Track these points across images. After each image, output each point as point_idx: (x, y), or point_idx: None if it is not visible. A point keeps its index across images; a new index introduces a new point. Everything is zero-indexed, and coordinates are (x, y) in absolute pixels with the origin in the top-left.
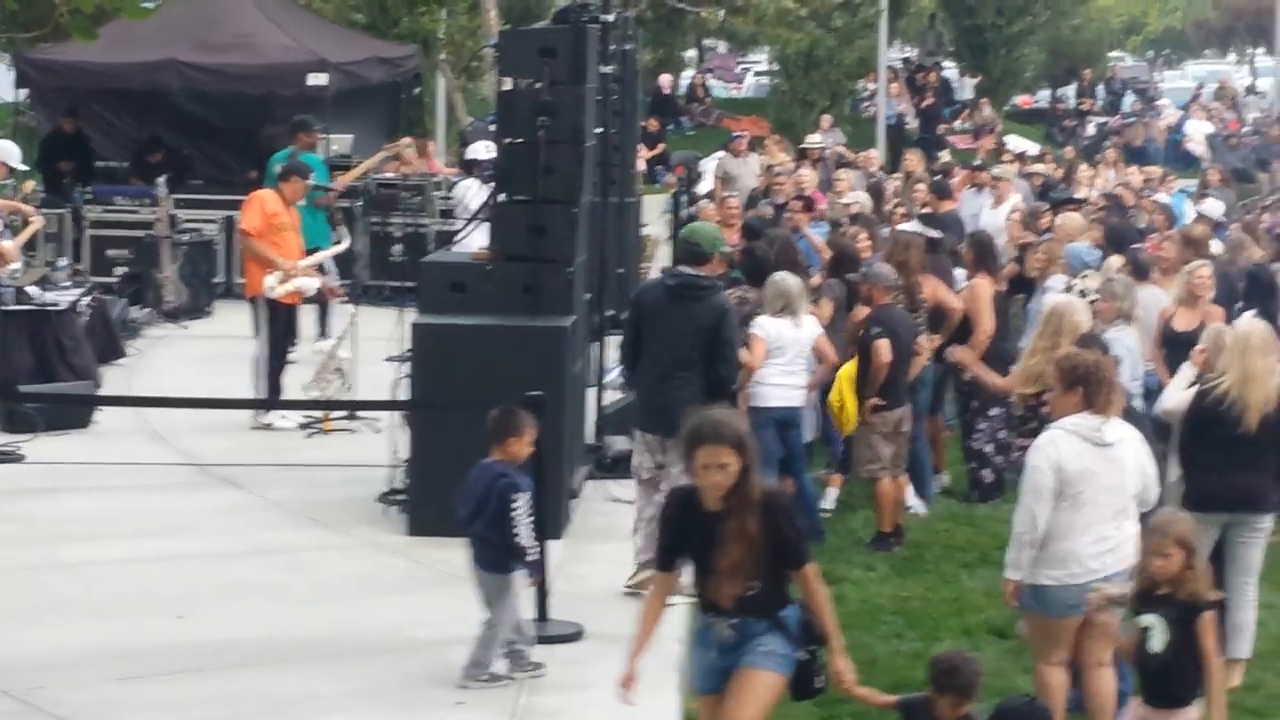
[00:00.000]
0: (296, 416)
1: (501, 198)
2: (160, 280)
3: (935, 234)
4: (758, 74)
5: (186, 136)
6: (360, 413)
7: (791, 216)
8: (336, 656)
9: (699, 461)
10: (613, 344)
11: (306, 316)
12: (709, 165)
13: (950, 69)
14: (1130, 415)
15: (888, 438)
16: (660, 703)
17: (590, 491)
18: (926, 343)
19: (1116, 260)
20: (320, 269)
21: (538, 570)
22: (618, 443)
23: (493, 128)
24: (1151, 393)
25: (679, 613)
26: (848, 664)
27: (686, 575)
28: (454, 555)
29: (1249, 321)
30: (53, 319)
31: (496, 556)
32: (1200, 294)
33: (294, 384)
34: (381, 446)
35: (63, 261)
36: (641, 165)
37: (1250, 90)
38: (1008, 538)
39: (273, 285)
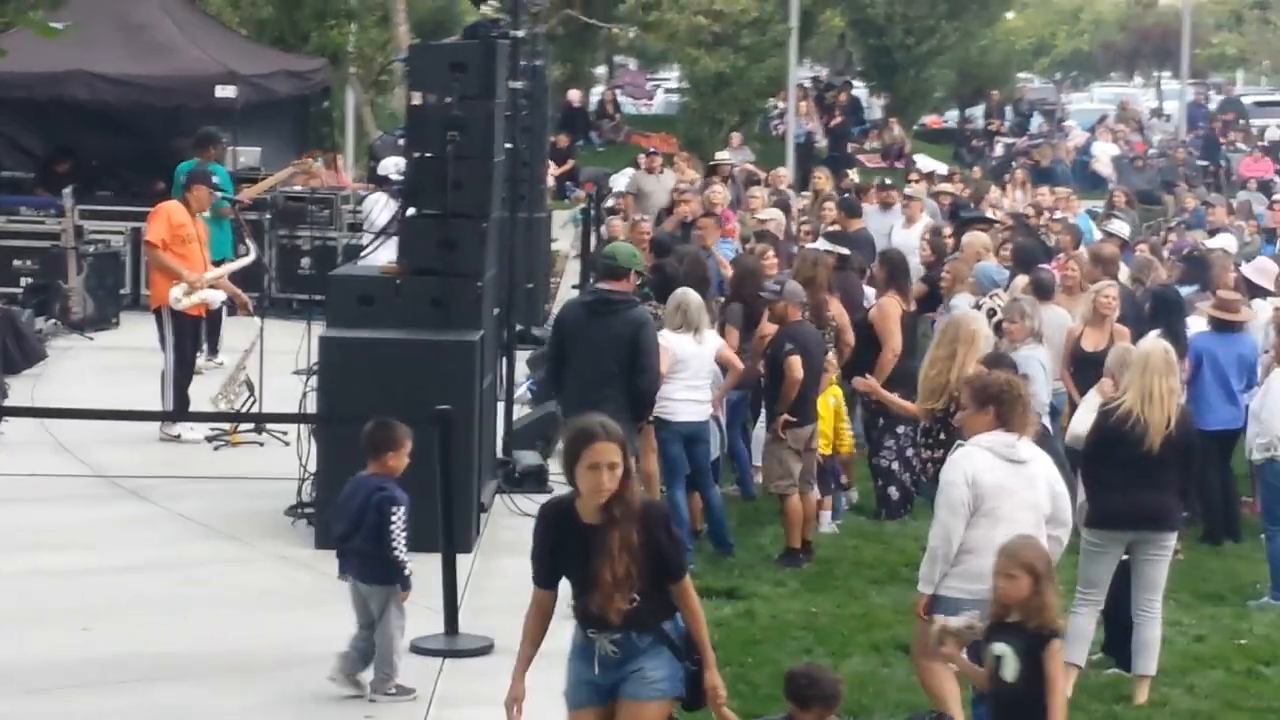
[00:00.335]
0: (204, 429)
1: (411, 212)
2: (66, 291)
3: (844, 251)
4: (668, 91)
5: (93, 147)
6: (268, 426)
7: (701, 234)
8: (241, 670)
9: (588, 461)
10: (522, 358)
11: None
12: (619, 181)
13: (860, 88)
14: (1040, 435)
15: (798, 454)
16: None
17: (500, 505)
18: (834, 360)
19: (1024, 280)
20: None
21: (408, 585)
22: (526, 457)
23: (402, 142)
24: (1057, 411)
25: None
26: (720, 681)
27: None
28: None
29: (1151, 341)
30: None
31: (378, 569)
32: (1106, 313)
33: (200, 396)
34: (289, 459)
35: None
36: (551, 181)
37: (1156, 113)
38: (916, 554)
39: (179, 297)
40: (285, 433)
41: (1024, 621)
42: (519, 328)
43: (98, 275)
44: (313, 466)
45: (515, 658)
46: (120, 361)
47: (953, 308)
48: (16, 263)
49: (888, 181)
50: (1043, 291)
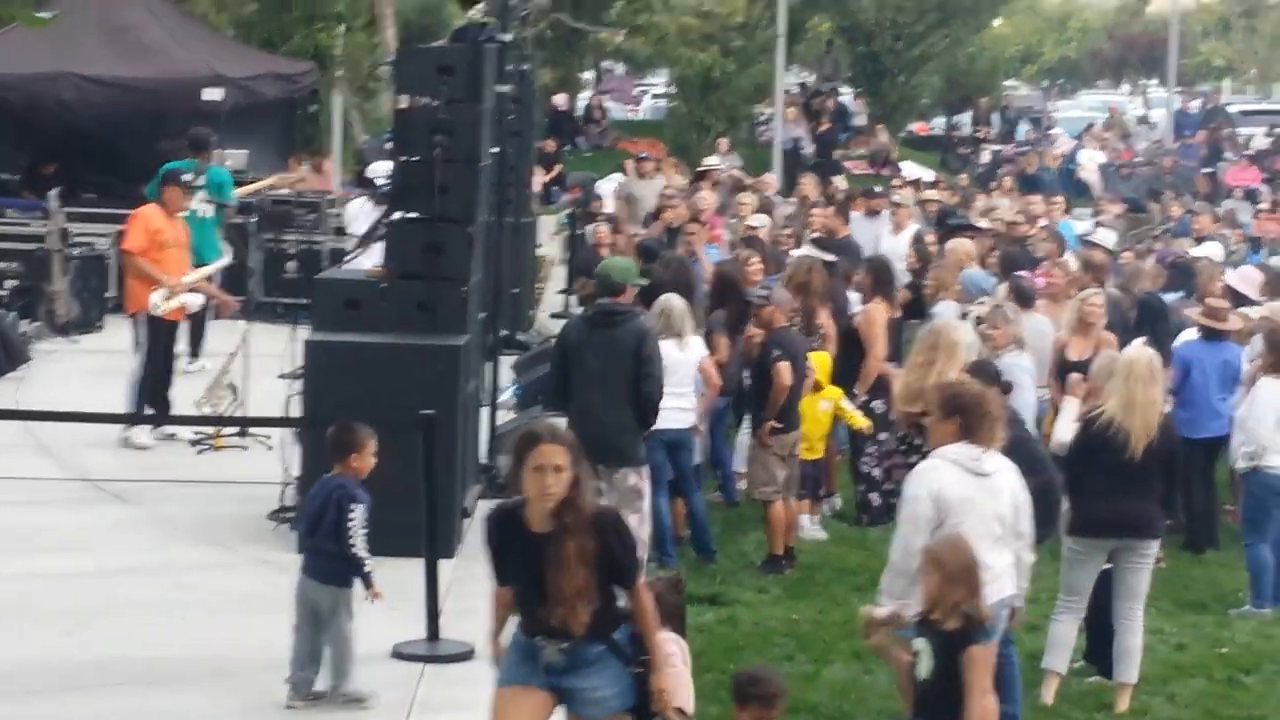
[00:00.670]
0: (148, 438)
1: (397, 215)
2: (51, 294)
3: (830, 258)
4: (655, 96)
5: (80, 149)
6: (252, 430)
7: (688, 239)
8: (227, 674)
9: (533, 463)
10: (506, 364)
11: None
12: (605, 187)
13: (847, 95)
14: (1025, 441)
15: (782, 460)
16: None
17: (483, 511)
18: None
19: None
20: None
21: (371, 582)
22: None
23: (389, 146)
24: (1039, 419)
25: None
26: (669, 685)
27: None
28: None
29: (1135, 350)
30: None
31: (333, 568)
32: (1092, 321)
33: (184, 399)
34: (273, 464)
35: None
36: (538, 186)
37: (1142, 120)
38: None
39: (158, 303)
40: (269, 437)
41: (941, 620)
42: (504, 333)
43: (83, 278)
44: (296, 471)
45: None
46: (105, 365)
47: (936, 315)
48: (1, 265)
49: (876, 189)
50: (1023, 299)
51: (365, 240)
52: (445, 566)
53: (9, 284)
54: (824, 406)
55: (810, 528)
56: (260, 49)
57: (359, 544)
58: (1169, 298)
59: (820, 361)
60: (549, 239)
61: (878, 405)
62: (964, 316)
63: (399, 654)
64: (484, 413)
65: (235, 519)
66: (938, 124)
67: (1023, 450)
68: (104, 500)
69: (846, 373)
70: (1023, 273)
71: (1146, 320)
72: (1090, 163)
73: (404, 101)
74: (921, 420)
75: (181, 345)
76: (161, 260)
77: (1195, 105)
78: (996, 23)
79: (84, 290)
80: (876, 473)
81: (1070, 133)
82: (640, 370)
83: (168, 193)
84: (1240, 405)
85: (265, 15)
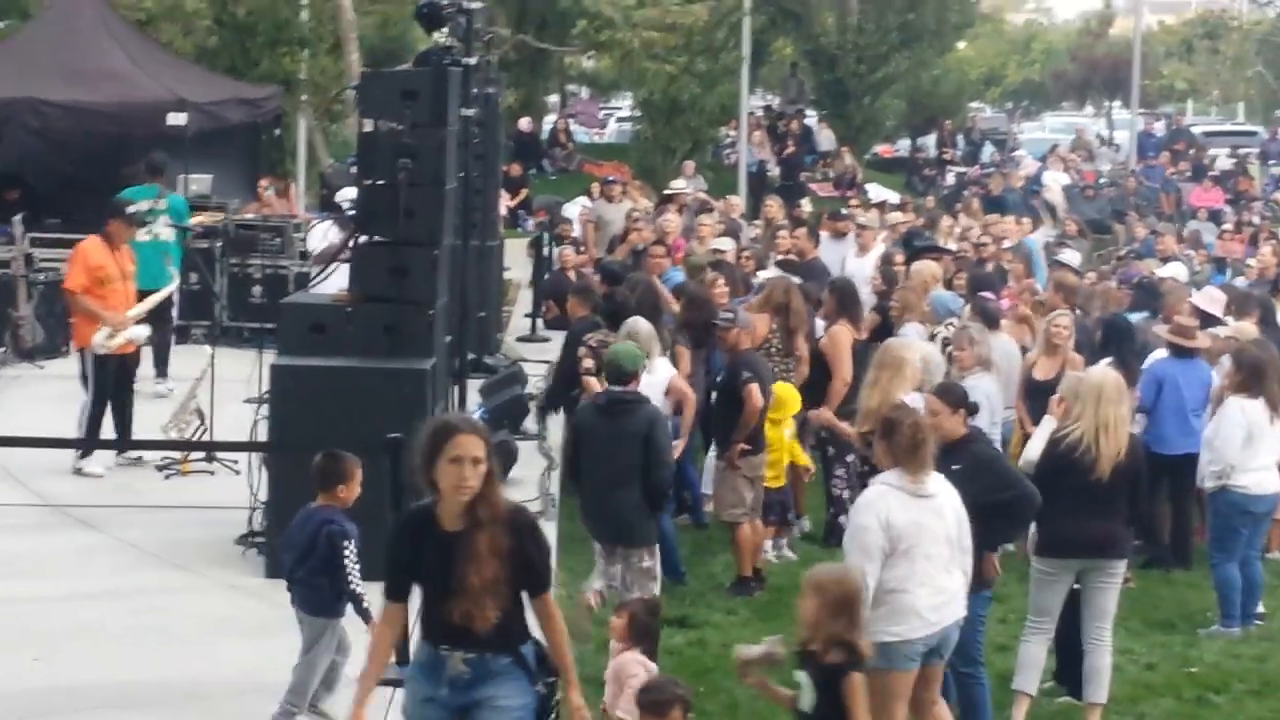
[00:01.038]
0: (101, 468)
1: (362, 239)
2: (16, 320)
3: (794, 280)
4: (620, 119)
5: (43, 175)
6: (219, 454)
7: (653, 261)
8: (195, 699)
9: (451, 453)
10: (474, 387)
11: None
12: (571, 210)
13: (812, 118)
14: (994, 459)
15: (750, 483)
16: None
17: None
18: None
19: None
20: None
21: (369, 618)
22: None
23: (354, 170)
24: (1005, 441)
25: None
26: (583, 701)
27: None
28: None
29: (1102, 370)
30: None
31: (322, 601)
32: (1059, 343)
33: (150, 424)
34: (240, 488)
35: None
36: (504, 210)
37: (1104, 141)
38: None
39: (102, 342)
40: (236, 461)
41: (821, 652)
42: (471, 356)
43: (48, 303)
44: (264, 495)
45: (359, 683)
46: (69, 390)
47: (902, 336)
48: None
49: (842, 211)
50: (988, 320)
51: (322, 260)
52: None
53: None
54: (788, 435)
55: (772, 552)
56: (224, 74)
57: (356, 580)
58: (1135, 318)
59: (787, 393)
60: (516, 262)
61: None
62: (932, 338)
63: None
64: None
65: (202, 544)
66: (903, 146)
67: (993, 468)
68: (69, 526)
69: (814, 395)
70: (988, 294)
71: (1113, 341)
72: (1055, 184)
73: (368, 125)
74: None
75: (146, 367)
76: (105, 296)
77: (1159, 126)
78: (960, 45)
79: (48, 316)
80: (847, 495)
81: (1035, 154)
82: (651, 459)
83: (112, 225)
84: (1208, 425)
85: (229, 40)
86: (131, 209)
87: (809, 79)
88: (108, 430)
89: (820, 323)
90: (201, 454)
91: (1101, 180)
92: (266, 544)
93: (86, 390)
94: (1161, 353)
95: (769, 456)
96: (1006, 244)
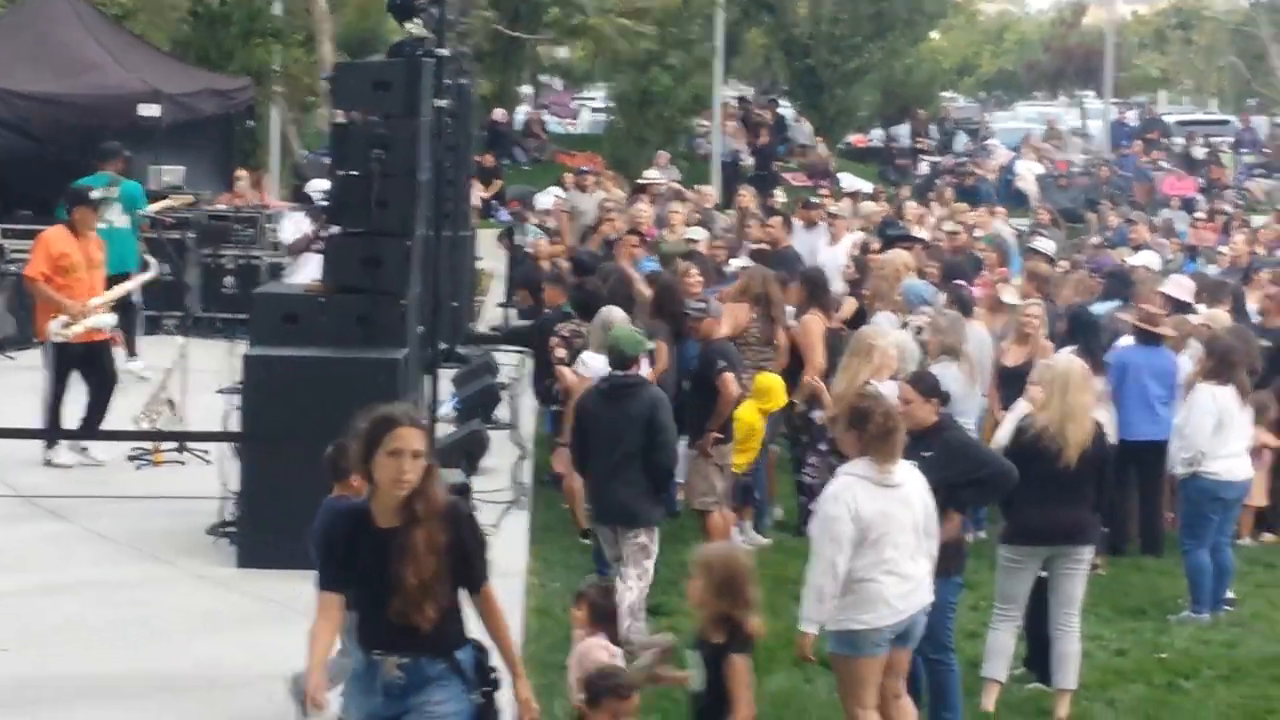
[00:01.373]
0: (70, 458)
1: (335, 229)
2: None
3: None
4: (594, 110)
5: (15, 166)
6: (191, 444)
7: (627, 251)
8: (166, 690)
9: (391, 446)
10: (446, 377)
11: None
12: (543, 200)
13: (786, 108)
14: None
15: (721, 470)
16: None
17: None
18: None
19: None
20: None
21: None
22: (450, 475)
23: (327, 160)
24: (978, 429)
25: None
26: (531, 695)
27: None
28: (283, 587)
29: (1068, 359)
30: None
31: None
32: (1029, 331)
33: (123, 413)
34: (212, 478)
35: None
36: (477, 200)
37: (1076, 132)
38: None
39: (57, 330)
40: (207, 451)
41: (707, 631)
42: (444, 346)
43: (19, 295)
44: (235, 485)
45: (310, 679)
46: (41, 381)
47: (874, 324)
48: None
49: (811, 199)
50: (962, 307)
51: (292, 250)
52: None
53: None
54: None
55: (740, 538)
56: (197, 65)
57: None
58: (1107, 306)
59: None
60: (489, 252)
61: (817, 415)
62: (904, 326)
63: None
64: None
65: (174, 534)
66: (876, 136)
67: (966, 453)
68: (40, 516)
69: (790, 384)
70: (961, 282)
71: (1078, 332)
72: (1028, 173)
73: (341, 116)
74: None
75: (120, 359)
76: (69, 285)
77: (1132, 116)
78: (934, 35)
79: (20, 307)
80: (819, 483)
81: (1008, 144)
82: (653, 440)
83: (77, 213)
84: (1179, 412)
85: (202, 32)
86: (92, 194)
87: (782, 69)
88: (74, 422)
89: (790, 310)
90: (173, 444)
91: (1075, 169)
92: (238, 534)
93: (45, 382)
94: (1128, 339)
95: (749, 444)
96: (979, 233)
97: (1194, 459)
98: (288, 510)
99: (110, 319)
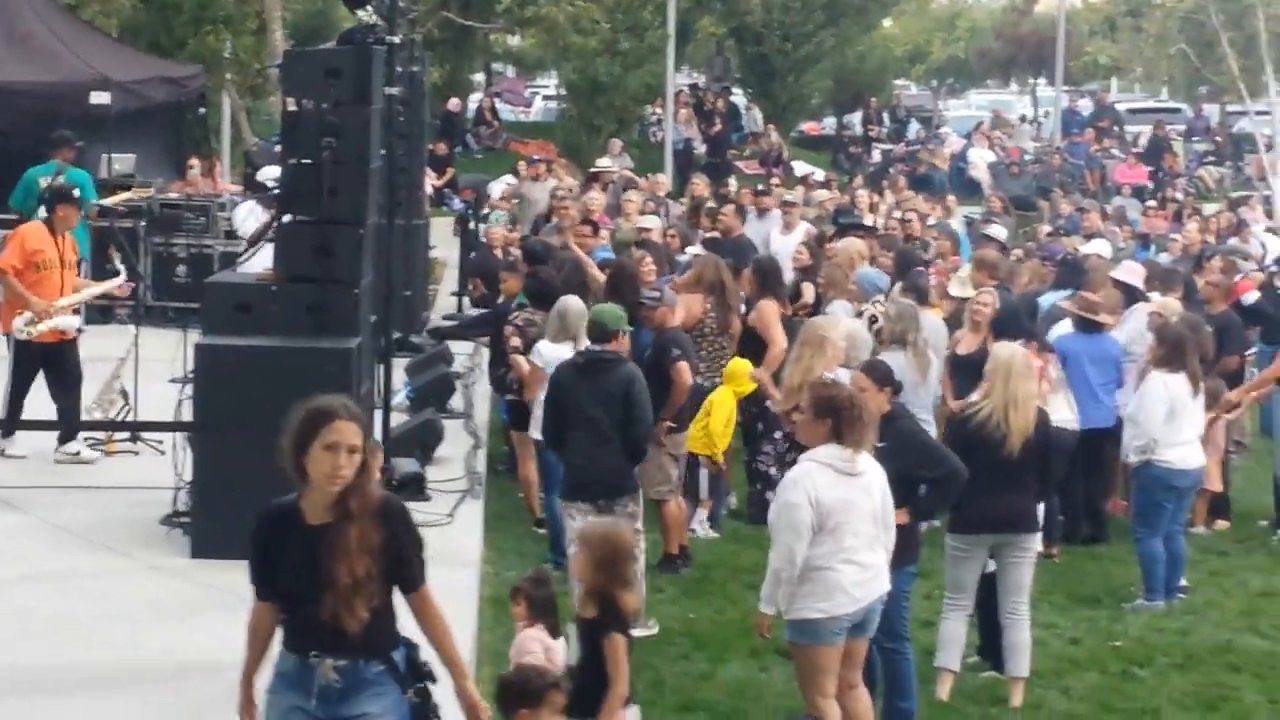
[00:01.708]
0: (21, 448)
1: (287, 218)
2: None
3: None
4: (546, 98)
5: None
6: (144, 434)
7: (580, 240)
8: (119, 681)
9: (327, 439)
10: (399, 366)
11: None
12: (496, 188)
13: (738, 95)
14: (916, 434)
15: (675, 460)
16: None
17: None
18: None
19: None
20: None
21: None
22: (404, 464)
23: (279, 148)
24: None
25: None
26: (478, 697)
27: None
28: (236, 577)
29: (1010, 347)
30: None
31: None
32: (980, 319)
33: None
34: (164, 468)
35: None
36: (430, 189)
37: (1024, 119)
38: None
39: (20, 327)
40: (160, 441)
41: (584, 607)
42: (397, 335)
43: None
44: (189, 475)
45: (242, 669)
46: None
47: (828, 314)
48: None
49: (759, 187)
50: (919, 296)
51: (254, 243)
52: None
53: None
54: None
55: (700, 531)
56: (148, 53)
57: None
58: (1060, 294)
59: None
60: (442, 241)
61: (771, 404)
62: (859, 315)
63: None
64: (377, 415)
65: (127, 524)
66: (829, 124)
67: (917, 444)
68: None
69: None
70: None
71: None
72: (980, 161)
73: (292, 104)
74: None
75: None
76: (39, 281)
77: (1084, 104)
78: (885, 22)
79: None
80: (773, 471)
81: (960, 132)
82: (629, 414)
83: (60, 210)
84: (1130, 400)
85: (152, 19)
86: (75, 193)
87: (734, 57)
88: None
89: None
90: (126, 434)
91: (1027, 157)
92: (192, 524)
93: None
94: (1065, 326)
95: (729, 430)
96: (931, 221)
97: (1147, 447)
98: (240, 500)
99: (75, 320)
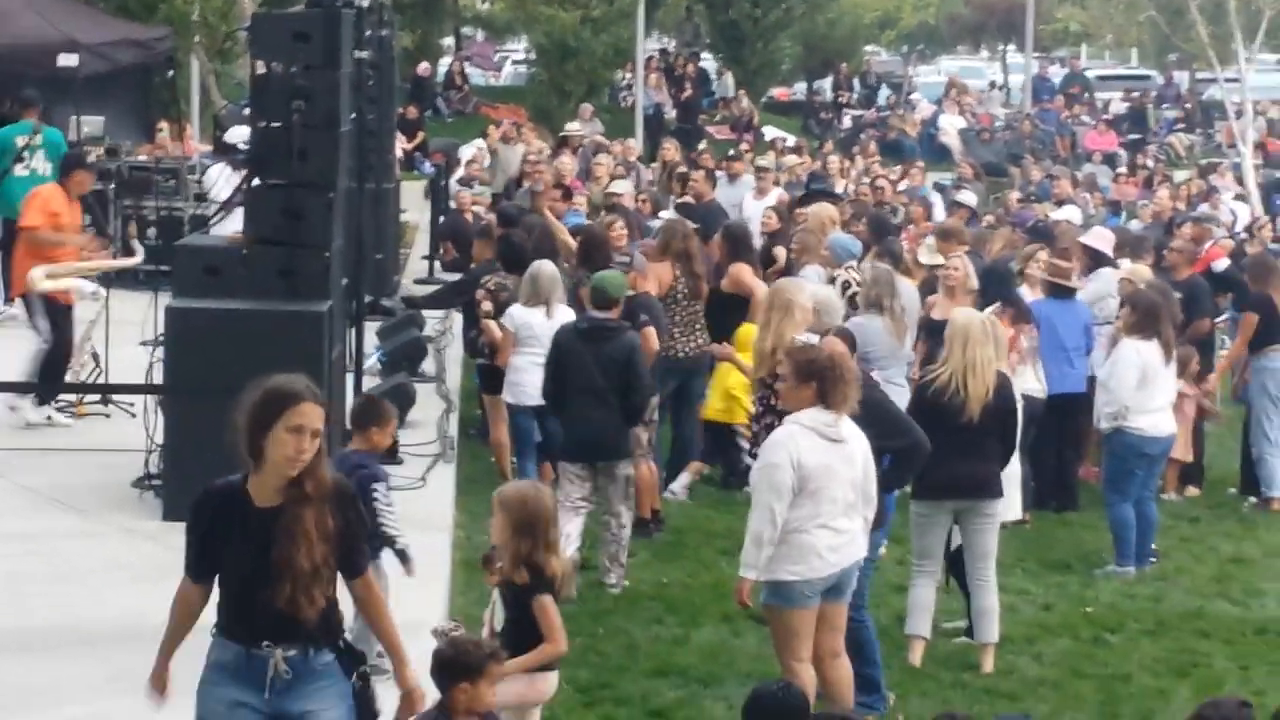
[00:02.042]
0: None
1: (256, 182)
2: None
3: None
4: (516, 62)
5: None
6: (114, 397)
7: (551, 204)
8: (88, 644)
9: (292, 421)
10: (371, 329)
11: None
12: (466, 152)
13: (708, 60)
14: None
15: (645, 424)
16: None
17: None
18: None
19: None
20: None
21: (408, 558)
22: None
23: (248, 111)
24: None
25: None
26: (418, 683)
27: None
28: None
29: (967, 313)
30: None
31: None
32: (952, 285)
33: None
34: (136, 431)
35: None
36: (401, 153)
37: (993, 85)
38: None
39: (39, 277)
40: (131, 404)
41: (508, 571)
42: (368, 298)
43: None
44: (160, 438)
45: (161, 644)
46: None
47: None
48: None
49: (730, 152)
50: (894, 261)
51: (226, 206)
52: None
53: None
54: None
55: (673, 492)
56: (115, 15)
57: (388, 522)
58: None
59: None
60: (413, 205)
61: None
62: (832, 280)
63: None
64: (349, 379)
65: (98, 487)
66: (799, 89)
67: (882, 413)
68: None
69: (717, 338)
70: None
71: (992, 284)
72: (951, 128)
73: (261, 67)
74: (771, 381)
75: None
76: (57, 245)
77: (1054, 70)
78: None
79: None
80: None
81: (930, 98)
82: (630, 382)
83: (77, 175)
84: (1102, 366)
85: None
86: (91, 158)
87: (705, 22)
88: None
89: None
90: (97, 396)
91: (998, 124)
92: (163, 487)
93: (38, 336)
94: (1031, 292)
95: (740, 392)
96: (902, 187)
97: (1118, 413)
98: (211, 463)
99: (89, 285)
